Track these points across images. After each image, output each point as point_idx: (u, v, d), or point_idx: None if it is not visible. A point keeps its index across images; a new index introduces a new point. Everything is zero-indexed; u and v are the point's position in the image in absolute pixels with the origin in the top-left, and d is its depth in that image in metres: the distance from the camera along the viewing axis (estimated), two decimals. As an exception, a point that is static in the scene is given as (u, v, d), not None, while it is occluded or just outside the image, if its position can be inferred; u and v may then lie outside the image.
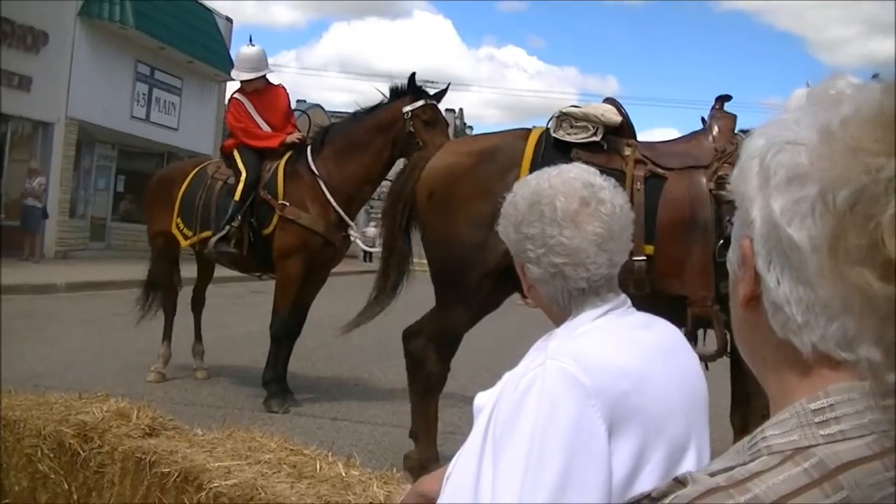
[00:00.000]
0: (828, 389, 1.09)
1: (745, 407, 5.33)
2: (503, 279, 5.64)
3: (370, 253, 32.40)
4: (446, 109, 9.20)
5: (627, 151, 5.80)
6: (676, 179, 5.69)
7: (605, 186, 2.18)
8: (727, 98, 6.30)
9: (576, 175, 2.19)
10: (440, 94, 8.94)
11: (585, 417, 1.86)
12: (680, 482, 1.10)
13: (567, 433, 1.84)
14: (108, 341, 11.14)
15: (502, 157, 5.76)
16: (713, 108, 6.24)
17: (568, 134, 5.79)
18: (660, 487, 1.13)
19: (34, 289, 17.47)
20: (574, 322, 2.16)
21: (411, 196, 5.98)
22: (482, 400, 2.15)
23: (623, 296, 2.22)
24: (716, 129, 5.99)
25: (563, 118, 5.83)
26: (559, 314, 2.21)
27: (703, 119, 6.20)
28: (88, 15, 27.29)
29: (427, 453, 5.88)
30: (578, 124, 5.83)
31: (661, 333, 2.21)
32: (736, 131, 5.98)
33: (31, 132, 26.83)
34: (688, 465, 2.00)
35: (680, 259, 5.39)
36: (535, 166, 5.36)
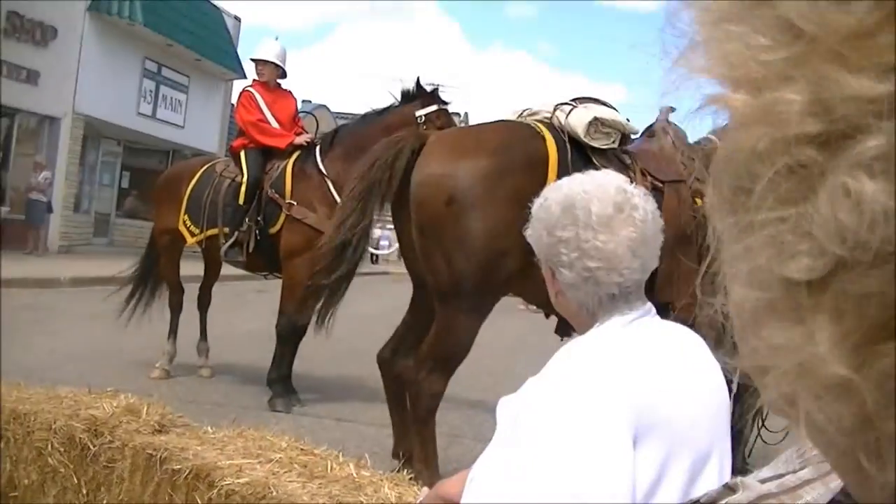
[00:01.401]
0: None
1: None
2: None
3: (377, 255, 32.39)
4: (452, 113, 9.20)
5: (628, 160, 5.82)
6: (670, 193, 5.76)
7: (636, 193, 2.18)
8: (672, 109, 6.47)
9: (609, 180, 2.19)
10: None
11: (611, 427, 1.85)
12: (730, 488, 1.11)
13: (592, 442, 1.83)
14: (113, 337, 11.14)
15: (523, 158, 5.54)
16: (658, 118, 6.42)
17: (594, 139, 5.74)
18: (709, 493, 1.14)
19: (38, 283, 17.48)
20: (600, 329, 2.15)
21: (388, 186, 5.68)
22: (506, 406, 2.14)
23: (649, 304, 2.22)
24: (670, 141, 6.20)
25: (593, 123, 5.74)
26: (586, 321, 2.21)
27: (649, 128, 6.43)
28: (97, 10, 27.27)
29: (434, 479, 5.77)
30: (604, 129, 5.80)
31: (685, 342, 2.21)
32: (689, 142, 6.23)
33: (38, 127, 26.85)
34: (710, 475, 2.00)
35: (671, 270, 5.43)
36: (562, 172, 5.06)
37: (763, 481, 1.11)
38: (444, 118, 8.62)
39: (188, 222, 9.59)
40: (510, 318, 13.14)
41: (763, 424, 6.80)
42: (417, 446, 5.61)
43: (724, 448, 2.11)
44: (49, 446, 4.47)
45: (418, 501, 2.54)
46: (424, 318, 5.83)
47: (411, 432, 5.69)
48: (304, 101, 42.20)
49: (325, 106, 45.72)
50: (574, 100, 5.99)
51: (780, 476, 1.10)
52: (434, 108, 8.65)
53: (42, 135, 26.89)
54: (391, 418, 5.98)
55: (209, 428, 4.49)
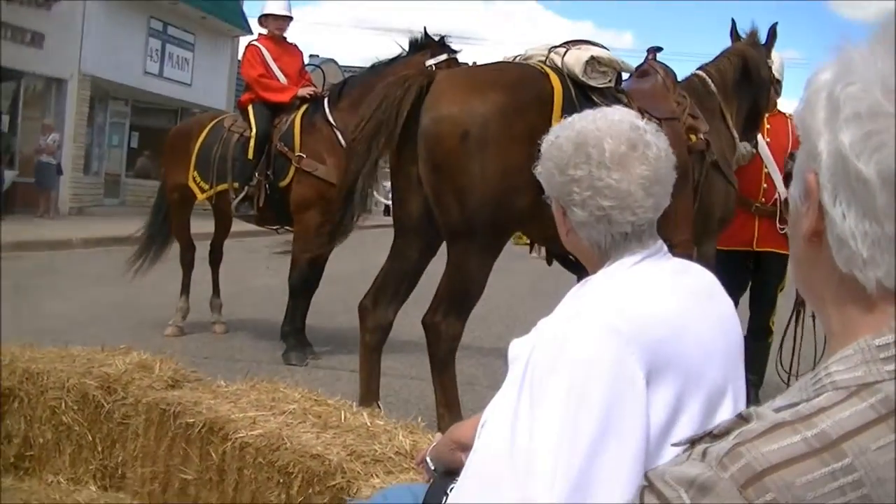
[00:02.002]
0: (893, 325, 1.07)
1: None
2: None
3: (389, 206, 32.31)
4: (461, 63, 9.13)
5: (624, 100, 5.78)
6: (667, 131, 5.72)
7: (649, 130, 2.14)
8: (659, 49, 6.79)
9: (621, 118, 2.15)
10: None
11: (623, 365, 1.83)
12: (743, 418, 1.09)
13: (605, 381, 1.81)
14: (126, 296, 11.16)
15: (533, 96, 5.44)
16: (647, 58, 6.68)
17: (591, 79, 5.70)
18: (722, 424, 1.11)
19: (50, 245, 17.52)
20: (611, 269, 2.12)
21: (395, 125, 5.42)
22: (517, 348, 2.11)
23: (660, 242, 2.19)
24: (660, 80, 6.35)
25: (591, 62, 5.70)
26: (598, 260, 2.17)
27: (638, 68, 6.58)
28: (100, -30, 27.14)
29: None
30: (601, 69, 5.76)
31: (697, 279, 2.19)
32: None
33: (44, 89, 26.82)
34: (725, 411, 1.98)
35: (669, 207, 5.44)
36: (568, 110, 4.82)
37: (777, 410, 1.08)
38: (454, 67, 8.51)
39: (198, 178, 9.54)
40: (522, 265, 13.14)
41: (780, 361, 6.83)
42: (438, 391, 5.56)
43: (739, 384, 2.09)
44: (63, 405, 4.48)
45: (432, 446, 2.52)
46: (404, 267, 5.73)
47: (432, 377, 5.64)
48: (311, 56, 42.04)
49: (333, 60, 45.54)
50: (565, 43, 5.94)
51: (795, 405, 1.08)
52: (444, 56, 8.57)
53: (49, 97, 26.87)
54: (360, 371, 5.88)
55: (222, 382, 4.50)
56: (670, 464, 1.11)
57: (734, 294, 6.94)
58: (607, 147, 2.06)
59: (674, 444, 1.62)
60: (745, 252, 7.31)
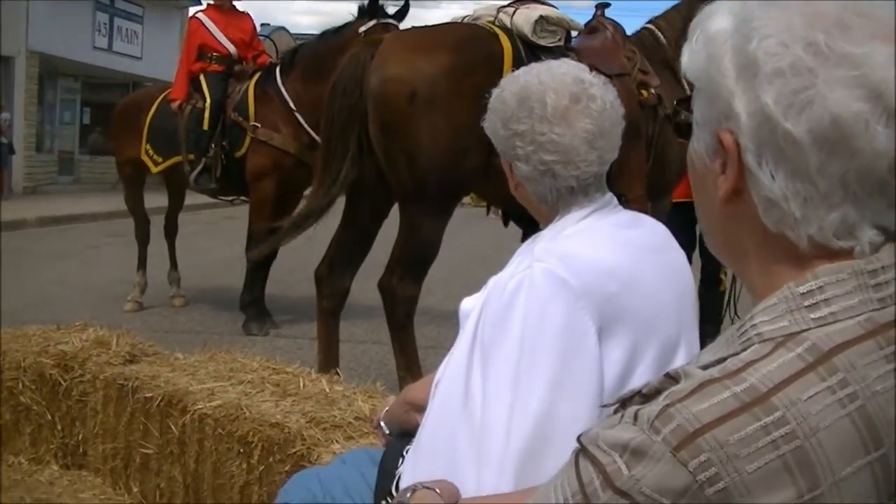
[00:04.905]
0: (816, 272, 1.07)
1: None
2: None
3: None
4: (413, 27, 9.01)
5: (574, 57, 5.77)
6: (618, 87, 5.71)
7: (595, 83, 2.13)
8: (607, 5, 6.70)
9: (566, 71, 2.14)
10: (400, 13, 8.79)
11: (574, 319, 1.83)
12: (672, 377, 1.07)
13: (556, 336, 1.81)
14: (84, 274, 11.09)
15: (482, 55, 5.39)
16: (595, 14, 6.59)
17: (541, 38, 5.67)
18: (651, 383, 1.10)
19: (5, 225, 17.32)
20: (560, 223, 2.11)
21: (364, 112, 5.31)
22: (468, 305, 2.11)
23: (609, 195, 2.18)
24: (610, 35, 6.25)
25: (540, 21, 5.67)
26: (547, 213, 2.17)
27: (587, 24, 6.47)
28: (43, -55, 26.71)
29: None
30: (550, 28, 5.73)
31: (648, 231, 2.18)
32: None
33: (-8, 68, 26.44)
34: (679, 363, 1.97)
35: (622, 162, 5.41)
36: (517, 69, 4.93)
37: (705, 367, 1.07)
38: (380, 33, 8.25)
39: (151, 151, 9.44)
40: (482, 226, 13.15)
41: (736, 313, 6.87)
42: (398, 354, 5.55)
43: (692, 336, 2.10)
44: (20, 385, 4.44)
45: (385, 409, 2.51)
46: (356, 232, 5.72)
47: (391, 340, 5.64)
48: (262, 25, 41.72)
49: (284, 28, 45.23)
50: (514, 3, 5.91)
51: (722, 360, 1.07)
52: (372, 23, 8.45)
53: (-3, 76, 26.49)
54: (318, 338, 5.88)
55: (180, 354, 4.48)
56: (603, 426, 1.09)
57: (685, 250, 7.01)
58: (549, 101, 2.05)
59: (603, 406, 1.63)
60: (690, 205, 7.36)
